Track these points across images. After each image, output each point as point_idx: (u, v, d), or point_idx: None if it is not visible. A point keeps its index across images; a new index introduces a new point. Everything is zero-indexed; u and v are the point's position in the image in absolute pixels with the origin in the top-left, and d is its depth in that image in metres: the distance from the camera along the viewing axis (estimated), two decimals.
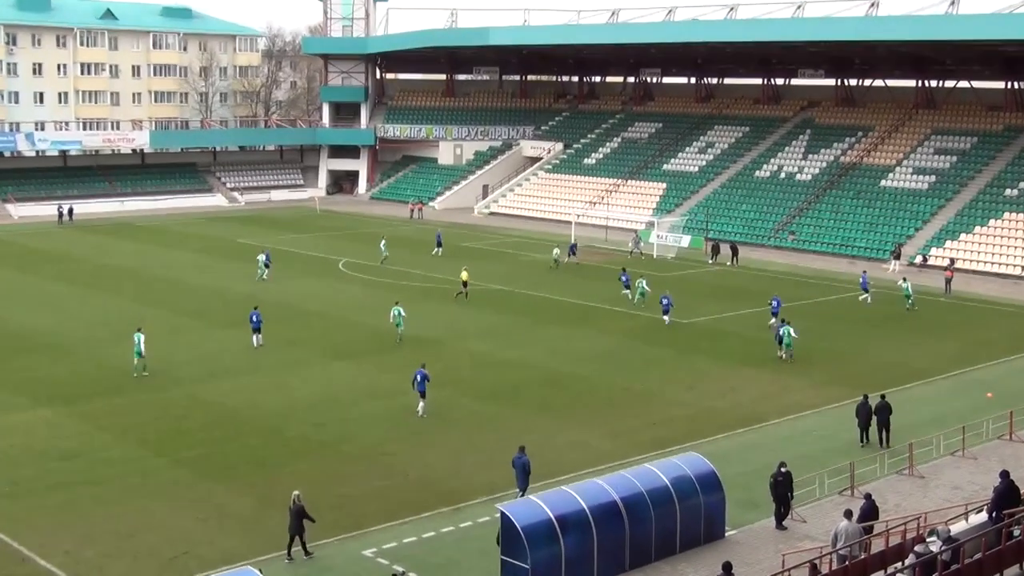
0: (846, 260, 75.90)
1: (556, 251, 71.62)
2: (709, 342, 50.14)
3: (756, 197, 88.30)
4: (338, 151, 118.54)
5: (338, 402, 39.72)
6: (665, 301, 53.89)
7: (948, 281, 64.22)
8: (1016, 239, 72.91)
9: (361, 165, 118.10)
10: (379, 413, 38.42)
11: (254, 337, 48.07)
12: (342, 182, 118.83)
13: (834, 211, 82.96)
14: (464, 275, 60.08)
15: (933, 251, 74.22)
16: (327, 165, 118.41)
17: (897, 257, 72.40)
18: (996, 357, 48.45)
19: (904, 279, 60.99)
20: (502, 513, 25.22)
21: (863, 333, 53.05)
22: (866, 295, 60.54)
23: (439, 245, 75.31)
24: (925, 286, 63.81)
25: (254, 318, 48.29)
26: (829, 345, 50.32)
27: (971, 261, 71.21)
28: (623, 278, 61.05)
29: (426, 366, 39.20)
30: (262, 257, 66.00)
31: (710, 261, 73.82)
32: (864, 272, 63.54)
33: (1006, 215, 75.49)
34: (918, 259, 73.09)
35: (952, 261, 69.93)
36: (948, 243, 74.61)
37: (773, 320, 52.47)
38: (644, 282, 58.82)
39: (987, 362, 47.57)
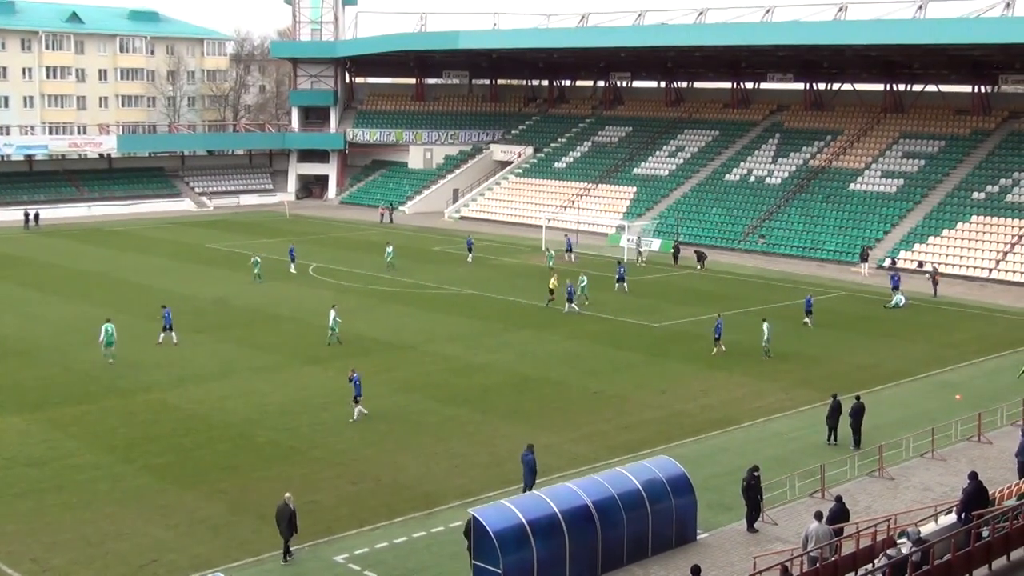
0: (815, 263, 76.34)
1: (550, 251, 73.14)
2: (680, 346, 50.30)
3: (726, 201, 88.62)
4: (307, 155, 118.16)
5: (308, 407, 39.59)
6: (571, 288, 57.65)
7: (935, 284, 65.01)
8: (984, 242, 73.58)
9: (331, 169, 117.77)
10: (349, 418, 38.33)
11: (162, 335, 48.91)
12: (312, 186, 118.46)
13: (803, 214, 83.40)
14: (553, 283, 60.16)
15: (902, 254, 74.70)
16: (296, 169, 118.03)
17: (864, 259, 72.96)
18: (965, 359, 48.88)
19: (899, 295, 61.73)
20: (474, 518, 25.22)
21: (834, 336, 53.35)
22: (899, 297, 61.50)
23: (470, 251, 75.64)
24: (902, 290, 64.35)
25: (166, 316, 49.28)
26: (800, 348, 50.57)
27: (940, 264, 71.61)
28: (622, 270, 64.76)
29: (356, 370, 39.26)
30: (257, 259, 66.75)
31: (673, 264, 74.13)
32: (895, 275, 64.33)
33: (974, 218, 76.12)
34: (887, 262, 73.57)
35: (922, 264, 70.46)
36: (917, 246, 75.15)
37: (807, 319, 55.03)
38: (584, 280, 59.88)
39: (956, 364, 47.99)
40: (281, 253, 76.04)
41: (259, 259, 66.78)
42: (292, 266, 69.56)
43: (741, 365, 46.79)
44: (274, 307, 57.56)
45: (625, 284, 63.83)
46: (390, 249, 71.70)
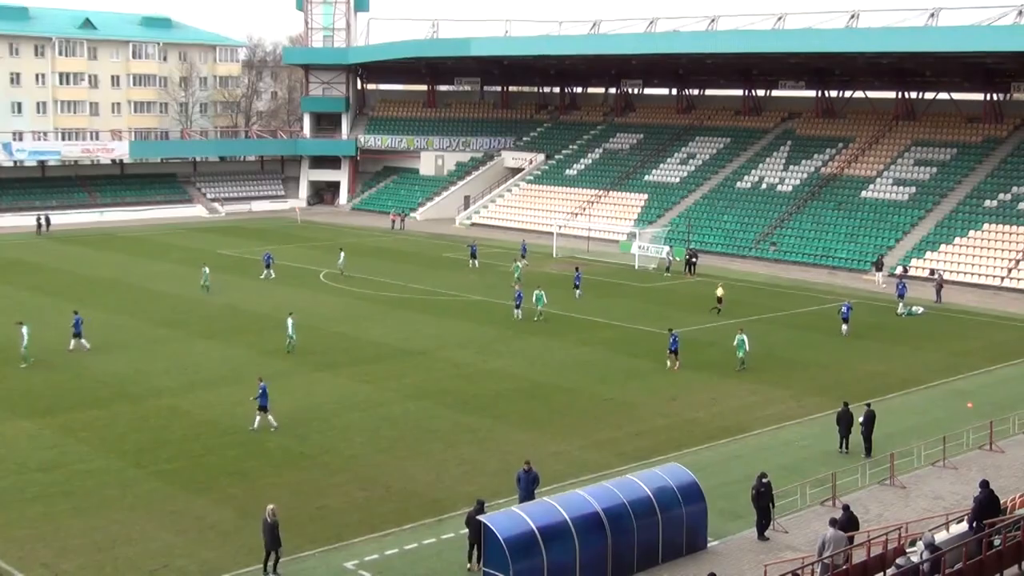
0: (827, 271, 76.20)
1: (517, 263, 70.76)
2: (690, 353, 50.13)
3: (737, 208, 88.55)
4: (319, 161, 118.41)
5: (319, 413, 39.61)
6: (519, 294, 57.30)
7: (939, 289, 64.86)
8: (996, 250, 73.39)
9: (342, 176, 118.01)
10: (360, 424, 38.34)
11: (72, 342, 48.55)
12: (323, 193, 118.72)
13: (815, 222, 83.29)
14: (720, 291, 60.84)
15: (914, 262, 74.54)
16: (308, 176, 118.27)
17: (879, 268, 72.87)
18: (977, 367, 48.73)
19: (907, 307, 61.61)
20: (484, 525, 25.19)
21: (845, 344, 53.25)
22: (909, 307, 61.46)
23: (473, 257, 75.50)
24: (911, 297, 64.13)
25: (76, 322, 48.92)
26: (811, 356, 50.49)
27: (952, 272, 71.55)
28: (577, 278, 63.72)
29: (263, 379, 38.83)
30: (206, 270, 65.31)
31: (684, 272, 74.12)
32: (901, 282, 64.12)
33: (986, 226, 75.96)
34: (899, 270, 73.45)
35: (933, 272, 70.36)
36: (929, 254, 74.97)
37: (845, 326, 55.08)
38: (542, 296, 57.33)
39: (968, 372, 47.84)
40: (294, 259, 76.13)
41: (208, 269, 65.43)
42: (267, 272, 69.01)
43: (751, 373, 46.65)
44: (283, 313, 57.50)
45: (579, 291, 63.41)
46: (343, 256, 71.66)
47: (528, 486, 29.35)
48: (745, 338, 47.46)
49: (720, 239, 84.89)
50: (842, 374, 47.12)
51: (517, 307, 57.14)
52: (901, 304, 61.38)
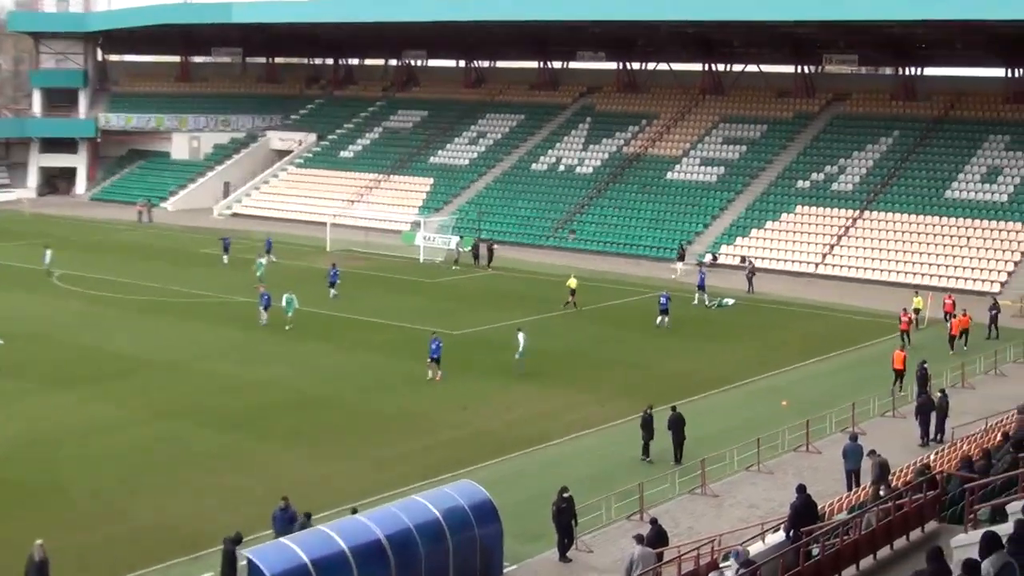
0: (631, 261, 77.85)
1: (260, 261, 68.59)
2: (482, 355, 50.47)
3: (533, 192, 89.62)
4: (52, 145, 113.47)
5: (52, 440, 38.05)
6: (265, 296, 55.88)
7: (751, 278, 67.06)
8: (809, 234, 76.45)
9: (79, 161, 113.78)
10: (103, 451, 37.01)
11: None
12: (56, 181, 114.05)
13: (617, 207, 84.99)
14: (572, 283, 60.71)
15: (724, 248, 77.03)
16: (38, 161, 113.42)
17: (681, 258, 74.69)
18: (791, 362, 50.56)
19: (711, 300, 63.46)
20: (248, 561, 24.57)
21: (652, 341, 54.60)
22: (719, 299, 63.19)
23: (226, 251, 73.78)
24: (717, 287, 66.05)
25: None
26: (616, 355, 51.54)
27: (764, 259, 74.16)
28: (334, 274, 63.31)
29: None
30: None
31: (480, 264, 74.59)
32: (701, 272, 65.72)
33: (798, 208, 79.03)
34: (707, 258, 75.73)
35: (744, 259, 72.61)
36: (739, 240, 77.54)
37: (660, 318, 56.62)
38: (292, 299, 55.71)
39: (782, 368, 49.60)
40: (21, 259, 73.13)
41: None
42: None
43: (550, 376, 47.19)
44: (9, 323, 55.10)
45: (333, 290, 62.76)
46: (48, 253, 69.34)
47: (285, 528, 28.10)
48: (521, 338, 47.89)
49: (514, 227, 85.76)
50: (649, 374, 48.13)
51: (264, 309, 55.87)
52: (702, 296, 63.07)
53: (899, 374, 44.86)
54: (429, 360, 46.39)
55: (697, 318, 60.17)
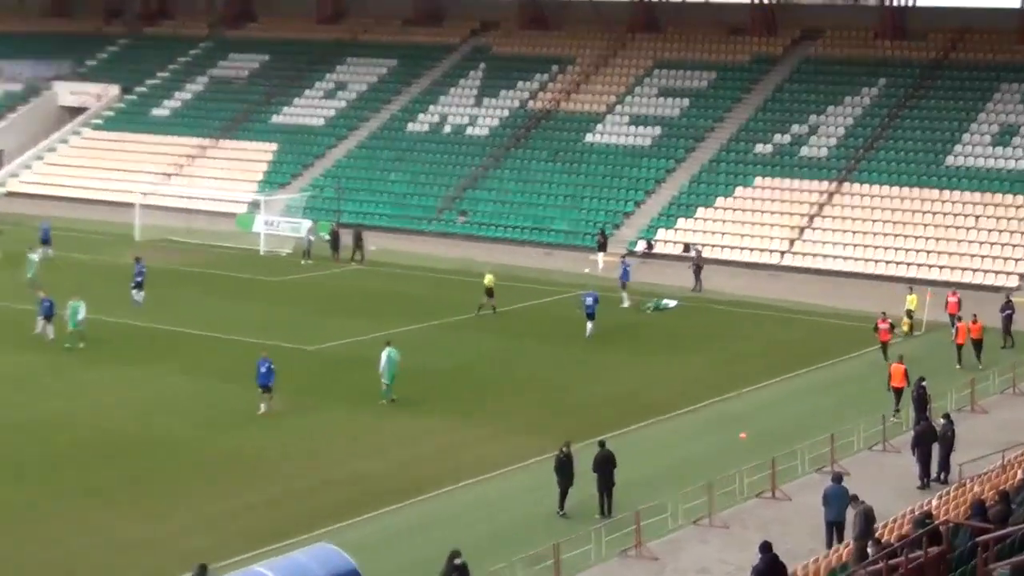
0: (540, 250, 78.08)
1: (32, 256, 67.14)
2: (347, 378, 50.14)
3: (410, 162, 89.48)
4: None
5: None
6: (47, 303, 54.68)
7: (698, 271, 67.53)
8: (772, 213, 77.02)
9: None
10: None
11: None
12: None
13: (521, 180, 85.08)
14: (488, 280, 61.11)
15: (662, 234, 77.40)
16: None
17: (602, 247, 74.43)
18: (751, 381, 50.72)
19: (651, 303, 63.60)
20: None
21: (571, 355, 54.71)
22: (657, 300, 63.64)
23: (46, 244, 72.67)
24: (654, 284, 66.37)
25: None
26: (524, 374, 51.61)
27: (713, 246, 74.69)
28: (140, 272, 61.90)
29: None
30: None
31: (339, 257, 74.61)
32: (625, 264, 65.72)
33: (757, 181, 79.64)
34: (640, 246, 76.10)
35: (688, 247, 72.98)
36: (681, 222, 77.93)
37: (589, 324, 56.84)
38: (80, 307, 54.50)
39: (739, 388, 49.71)
40: None
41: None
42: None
43: (436, 405, 47.02)
44: None
45: (137, 293, 62.13)
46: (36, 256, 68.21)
47: None
48: (388, 354, 47.22)
49: (386, 208, 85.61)
50: (567, 399, 48.12)
51: (46, 320, 54.67)
52: (631, 297, 63.46)
53: (899, 394, 45.25)
54: (258, 388, 45.78)
55: (630, 325, 60.36)
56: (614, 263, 70.04)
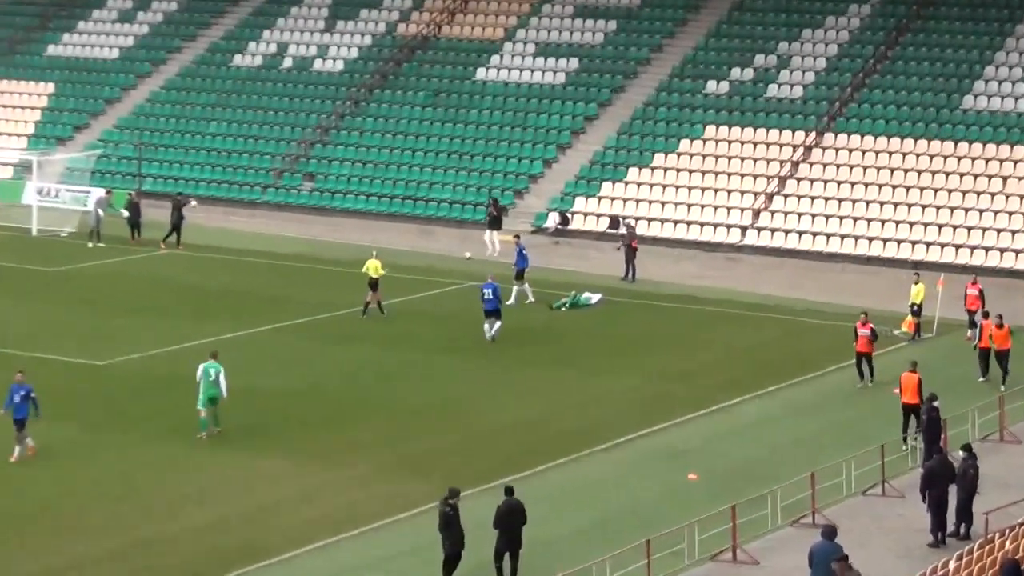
0: (415, 225, 78.49)
1: None
2: (157, 404, 49.83)
3: (237, 108, 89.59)
4: None
5: None
6: None
7: (630, 254, 67.63)
8: (730, 175, 77.30)
9: None
10: None
11: None
12: None
13: (389, 132, 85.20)
14: (372, 267, 61.31)
15: (580, 204, 77.57)
16: None
17: (495, 223, 74.10)
18: (702, 402, 50.57)
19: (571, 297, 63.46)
20: None
21: (464, 368, 54.68)
22: (575, 295, 63.48)
23: None
24: (577, 273, 66.45)
25: None
26: (398, 395, 51.39)
27: (650, 220, 75.03)
28: None
29: None
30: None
31: (138, 239, 74.33)
32: (521, 248, 65.19)
33: (709, 131, 79.97)
34: (551, 220, 76.24)
35: (617, 221, 73.12)
36: (607, 188, 78.16)
37: (488, 326, 57.49)
38: None
39: (687, 412, 49.61)
40: None
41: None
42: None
43: (281, 438, 46.68)
44: None
45: None
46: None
47: None
48: (218, 371, 46.89)
49: (205, 172, 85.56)
50: (456, 428, 47.90)
51: None
52: (516, 287, 63.26)
53: (911, 415, 45.36)
54: (15, 427, 44.80)
55: (539, 328, 60.35)
56: (508, 244, 70.17)
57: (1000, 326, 52.52)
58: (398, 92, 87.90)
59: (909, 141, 75.82)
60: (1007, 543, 33.88)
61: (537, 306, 62.84)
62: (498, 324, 57.30)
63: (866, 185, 73.97)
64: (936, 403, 43.41)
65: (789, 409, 50.96)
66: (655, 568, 36.14)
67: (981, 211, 71.43)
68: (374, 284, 60.89)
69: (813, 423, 48.91)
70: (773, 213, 74.79)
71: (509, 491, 37.27)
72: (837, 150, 76.97)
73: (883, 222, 72.06)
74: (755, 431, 48.55)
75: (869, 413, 46.69)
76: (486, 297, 57.54)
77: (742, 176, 77.15)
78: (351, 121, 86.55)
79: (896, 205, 72.62)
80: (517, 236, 68.96)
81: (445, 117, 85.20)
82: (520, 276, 63.62)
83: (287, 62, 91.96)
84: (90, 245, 73.47)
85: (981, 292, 57.74)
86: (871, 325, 52.59)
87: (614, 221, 74.03)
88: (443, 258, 71.44)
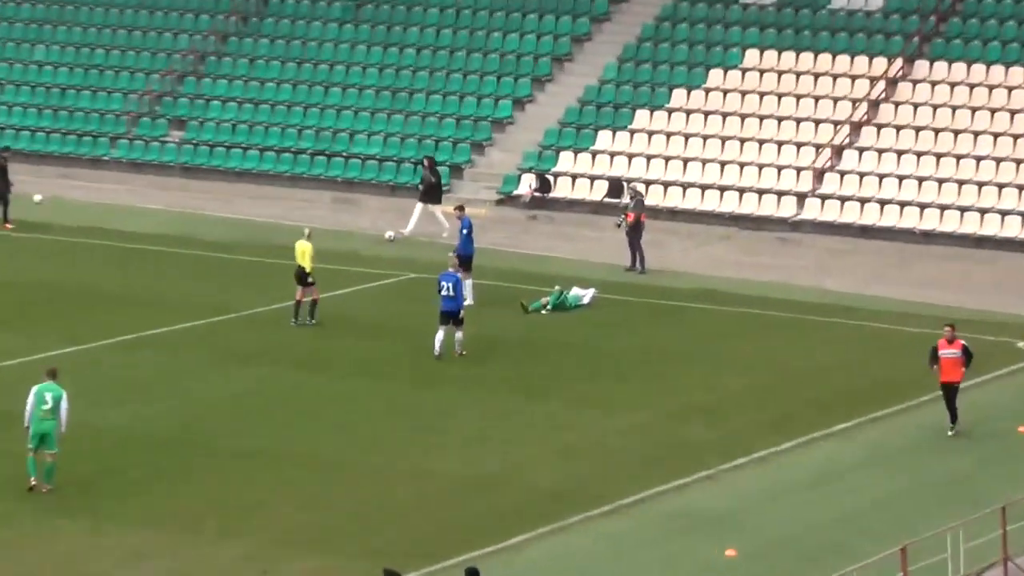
0: (330, 193, 79.00)
1: None
2: None
3: (73, 26, 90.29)
4: None
5: None
6: None
7: (635, 234, 67.05)
8: (780, 120, 77.21)
9: None
10: None
11: None
12: None
13: (289, 59, 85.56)
14: (303, 250, 62.48)
15: (566, 163, 77.19)
16: None
17: (431, 195, 73.48)
18: (735, 449, 49.92)
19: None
20: None
21: (416, 394, 54.63)
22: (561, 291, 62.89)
23: None
24: (563, 260, 66.56)
25: None
26: (321, 434, 51.22)
27: (667, 186, 74.71)
28: None
29: None
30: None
31: None
32: (465, 220, 64.73)
33: (749, 56, 79.93)
34: (525, 185, 75.91)
35: (619, 187, 73.28)
36: (602, 141, 78.02)
37: (441, 336, 57.59)
38: None
39: (715, 463, 49.46)
40: None
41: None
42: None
43: (143, 495, 46.42)
44: None
45: None
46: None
47: None
48: (57, 396, 46.73)
49: (31, 118, 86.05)
50: (397, 486, 47.80)
51: None
52: (470, 281, 62.94)
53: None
54: None
55: (513, 340, 59.92)
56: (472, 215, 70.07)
57: None
58: (304, 2, 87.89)
59: None
60: None
61: (504, 309, 62.76)
62: (459, 335, 56.60)
63: (975, 135, 73.32)
64: None
65: (868, 457, 50.52)
66: None
67: None
68: (302, 276, 60.99)
69: (903, 477, 48.24)
70: (843, 175, 74.35)
71: (471, 573, 37.44)
72: (933, 84, 76.48)
73: (1000, 187, 71.40)
74: (817, 488, 47.85)
75: (984, 461, 46.66)
76: (444, 293, 56.99)
77: (798, 122, 76.82)
78: (237, 44, 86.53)
79: (1020, 164, 72.20)
80: (460, 208, 68.76)
81: (371, 38, 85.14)
82: (467, 265, 63.35)
83: None
84: None
85: None
86: (962, 342, 50.71)
87: (615, 186, 73.85)
88: (370, 239, 71.36)
